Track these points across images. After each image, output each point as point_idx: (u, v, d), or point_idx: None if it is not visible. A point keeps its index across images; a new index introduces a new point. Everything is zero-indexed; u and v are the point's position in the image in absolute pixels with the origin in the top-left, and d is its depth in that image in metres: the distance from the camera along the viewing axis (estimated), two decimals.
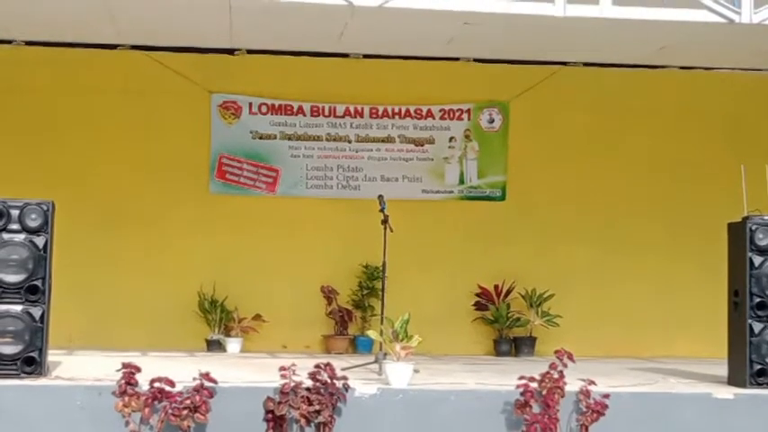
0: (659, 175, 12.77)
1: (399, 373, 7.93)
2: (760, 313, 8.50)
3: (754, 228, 8.58)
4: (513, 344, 12.34)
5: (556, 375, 7.67)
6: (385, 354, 8.51)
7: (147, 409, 7.22)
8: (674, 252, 12.53)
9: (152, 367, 7.78)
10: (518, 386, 7.64)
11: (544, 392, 7.64)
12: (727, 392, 8.13)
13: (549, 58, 12.31)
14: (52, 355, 8.39)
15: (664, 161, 12.80)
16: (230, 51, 12.29)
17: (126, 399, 7.21)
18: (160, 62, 12.19)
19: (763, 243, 8.58)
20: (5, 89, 11.94)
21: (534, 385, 7.65)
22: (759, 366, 8.42)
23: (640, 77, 12.69)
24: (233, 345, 11.92)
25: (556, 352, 7.85)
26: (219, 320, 11.99)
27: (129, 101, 12.21)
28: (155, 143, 12.23)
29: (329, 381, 7.45)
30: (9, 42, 11.91)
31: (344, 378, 7.53)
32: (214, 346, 11.92)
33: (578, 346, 8.54)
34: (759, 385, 8.37)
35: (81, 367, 8.64)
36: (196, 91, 12.31)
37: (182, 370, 7.95)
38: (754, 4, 9.51)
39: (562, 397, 7.65)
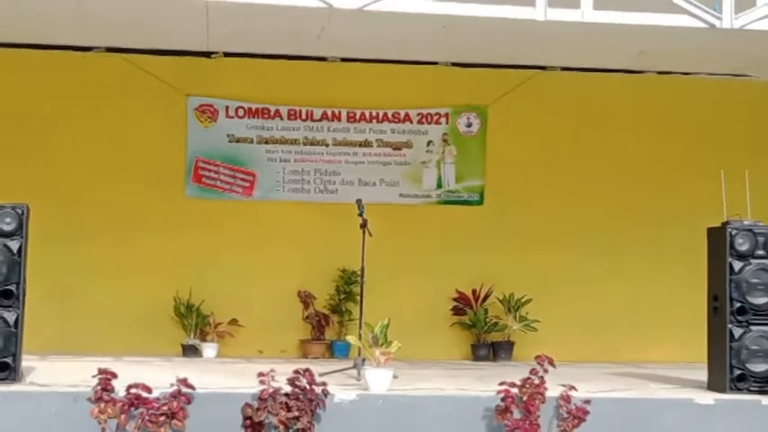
0: (637, 178, 12.77)
1: (379, 379, 7.86)
2: (740, 318, 8.51)
3: (733, 233, 8.59)
4: (491, 348, 12.30)
5: (536, 381, 7.63)
6: (363, 359, 8.44)
7: (123, 416, 7.13)
8: (652, 256, 12.51)
9: (128, 373, 7.68)
10: (499, 392, 7.59)
11: (525, 398, 7.59)
12: (708, 398, 8.12)
13: (527, 62, 12.27)
14: (26, 361, 8.29)
15: (642, 165, 12.80)
16: (207, 54, 12.19)
17: (102, 405, 7.12)
18: (136, 65, 12.08)
19: (742, 248, 8.58)
20: None
21: (515, 391, 7.60)
22: (739, 371, 8.42)
23: (619, 82, 12.67)
24: (209, 350, 11.83)
25: (536, 357, 7.80)
26: (195, 325, 11.91)
27: (105, 104, 12.10)
28: (130, 146, 12.12)
29: (308, 386, 7.37)
30: None
31: (323, 384, 7.46)
32: (190, 351, 11.82)
33: (556, 351, 8.47)
34: (739, 390, 8.38)
35: (56, 373, 8.55)
36: (172, 94, 12.22)
37: (158, 375, 7.88)
38: (735, 9, 9.49)
39: (543, 403, 7.60)
